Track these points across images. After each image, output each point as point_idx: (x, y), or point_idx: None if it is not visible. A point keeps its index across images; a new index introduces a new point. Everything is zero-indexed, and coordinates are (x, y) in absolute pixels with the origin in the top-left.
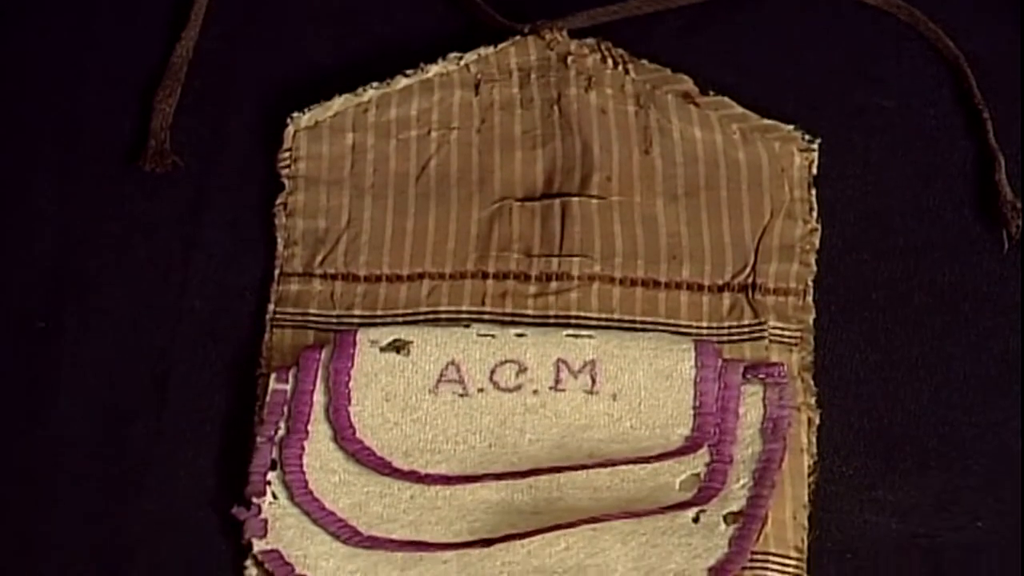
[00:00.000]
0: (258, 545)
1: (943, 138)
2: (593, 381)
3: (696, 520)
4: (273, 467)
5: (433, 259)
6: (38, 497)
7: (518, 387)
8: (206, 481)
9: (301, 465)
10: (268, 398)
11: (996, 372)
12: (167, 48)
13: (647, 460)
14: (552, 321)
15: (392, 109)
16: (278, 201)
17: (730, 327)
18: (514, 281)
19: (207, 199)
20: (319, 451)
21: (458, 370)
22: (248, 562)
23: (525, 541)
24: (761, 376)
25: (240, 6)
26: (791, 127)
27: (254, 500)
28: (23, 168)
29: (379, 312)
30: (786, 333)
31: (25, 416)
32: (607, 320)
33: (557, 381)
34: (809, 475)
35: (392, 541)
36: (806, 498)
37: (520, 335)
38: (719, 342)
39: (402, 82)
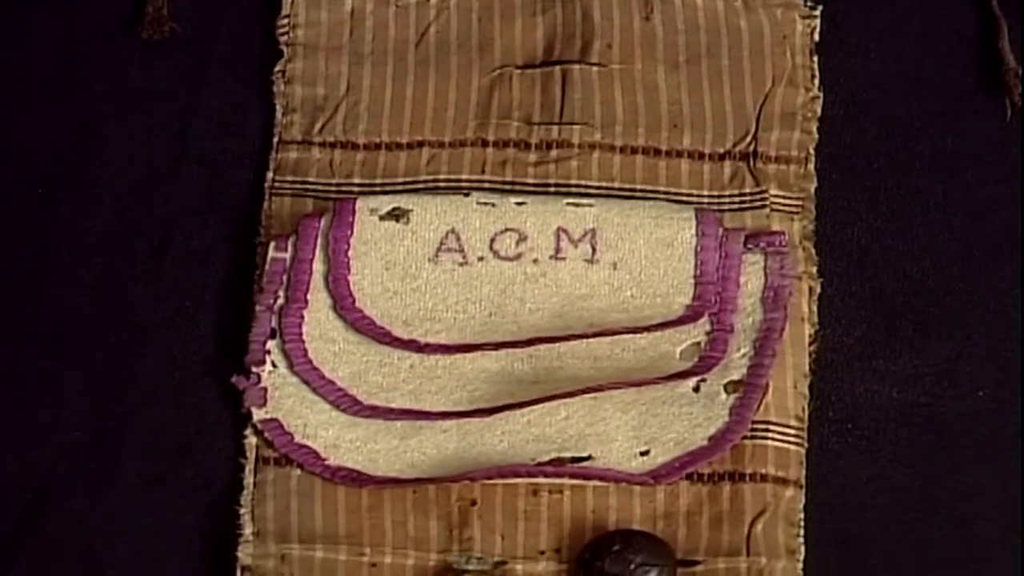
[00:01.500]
0: (257, 414)
1: (946, 5)
2: (593, 250)
3: (696, 389)
4: (272, 336)
5: (432, 127)
6: (37, 367)
7: (518, 256)
8: (205, 350)
9: (300, 334)
10: (267, 266)
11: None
12: None
13: (647, 329)
14: (552, 189)
15: None
16: (276, 68)
17: (731, 195)
18: (514, 149)
19: (205, 67)
20: (318, 320)
21: (458, 239)
22: (247, 431)
23: (525, 410)
24: (762, 245)
25: None
26: None
27: (253, 369)
28: (21, 36)
29: (378, 180)
30: (787, 201)
31: (23, 285)
32: (607, 188)
33: (557, 250)
34: (810, 344)
35: (392, 410)
36: (807, 367)
37: (520, 203)
38: (720, 210)
39: None
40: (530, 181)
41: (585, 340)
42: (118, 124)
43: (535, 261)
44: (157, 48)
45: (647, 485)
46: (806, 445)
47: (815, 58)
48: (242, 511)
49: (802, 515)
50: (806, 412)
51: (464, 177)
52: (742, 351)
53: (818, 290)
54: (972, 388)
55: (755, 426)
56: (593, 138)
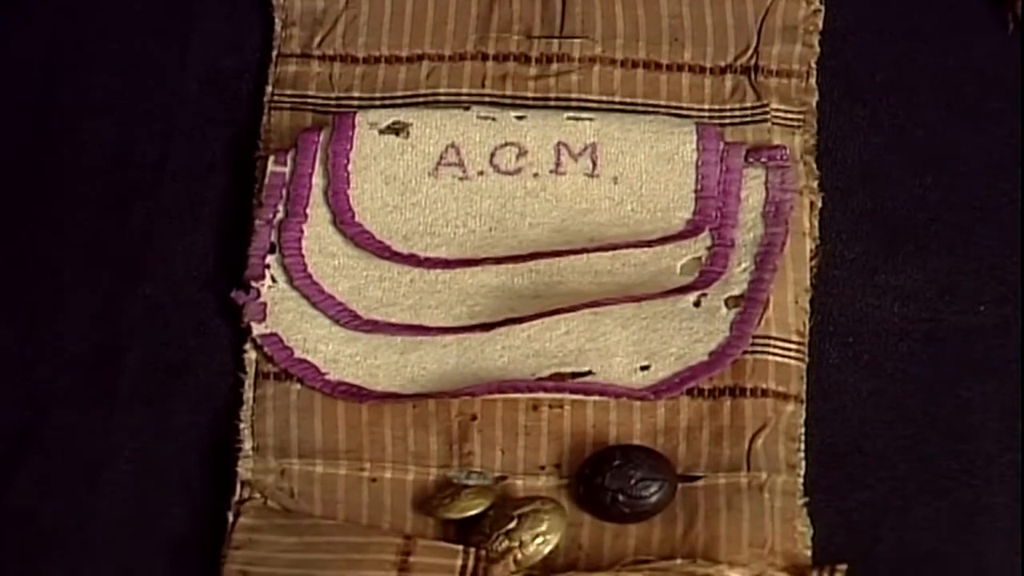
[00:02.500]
0: (257, 329)
1: None
2: (594, 164)
3: (697, 304)
4: (272, 250)
5: (432, 40)
6: (37, 283)
7: (518, 170)
8: (204, 265)
9: (300, 248)
10: (266, 181)
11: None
12: None
13: (648, 244)
14: (553, 103)
15: None
16: None
17: (732, 109)
18: (514, 63)
19: None
20: (318, 234)
21: (458, 153)
22: (247, 346)
23: (525, 325)
24: (763, 159)
25: None
26: None
27: (253, 283)
28: None
29: (378, 94)
30: (789, 115)
31: (22, 201)
32: (608, 102)
33: (558, 164)
34: (811, 259)
35: (391, 325)
36: (808, 282)
37: (520, 117)
38: (721, 125)
39: None
40: (530, 95)
41: (585, 255)
42: (117, 40)
43: (535, 175)
44: None
45: (647, 400)
46: (807, 360)
47: None
48: (242, 426)
49: (802, 430)
50: (807, 327)
51: (464, 91)
52: (743, 266)
53: (819, 205)
54: (973, 303)
55: (756, 341)
56: (594, 52)
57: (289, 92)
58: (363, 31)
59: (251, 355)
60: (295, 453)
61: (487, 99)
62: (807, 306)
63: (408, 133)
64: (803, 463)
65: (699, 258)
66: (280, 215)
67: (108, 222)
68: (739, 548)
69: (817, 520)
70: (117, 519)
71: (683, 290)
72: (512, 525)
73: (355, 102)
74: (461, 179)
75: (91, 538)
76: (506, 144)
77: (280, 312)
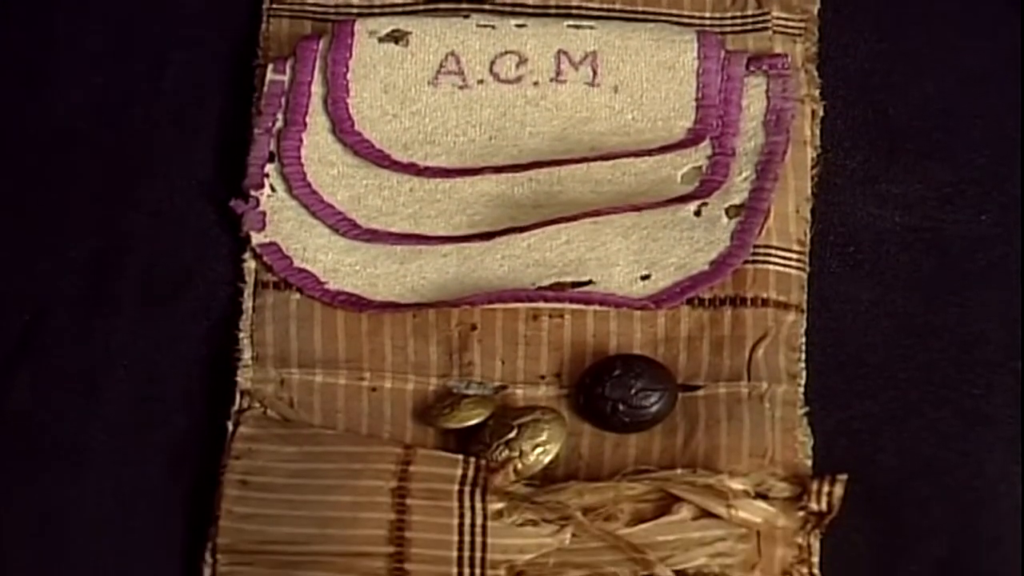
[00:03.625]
0: (256, 238)
1: None
2: (594, 73)
3: (698, 213)
4: (271, 159)
5: None
6: (36, 189)
7: (518, 79)
8: (203, 174)
9: (299, 157)
10: (265, 89)
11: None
12: None
13: (649, 153)
14: (553, 11)
15: None
16: None
17: (733, 17)
18: None
19: None
20: (317, 143)
21: (457, 61)
22: (246, 255)
23: (526, 234)
24: (764, 67)
25: None
26: None
27: (252, 192)
28: None
29: (377, 2)
30: (790, 23)
31: (21, 106)
32: (608, 10)
33: (558, 73)
34: (812, 168)
35: (391, 234)
36: (809, 191)
37: (520, 25)
38: (722, 33)
39: None
40: (530, 3)
41: (586, 164)
42: None
43: (535, 84)
44: None
45: (648, 310)
46: (808, 269)
47: None
48: (241, 335)
49: (803, 339)
50: (808, 236)
51: None
52: (744, 175)
53: (820, 113)
54: (975, 212)
55: (756, 250)
56: None
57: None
58: None
59: (250, 264)
60: (295, 363)
61: (487, 7)
62: (808, 215)
63: (407, 41)
64: (804, 373)
65: (700, 167)
66: (279, 124)
67: (107, 130)
68: (739, 458)
69: (817, 430)
70: (116, 427)
71: (684, 199)
72: (512, 435)
73: (354, 10)
74: (461, 88)
75: (90, 446)
76: (506, 52)
77: (279, 221)
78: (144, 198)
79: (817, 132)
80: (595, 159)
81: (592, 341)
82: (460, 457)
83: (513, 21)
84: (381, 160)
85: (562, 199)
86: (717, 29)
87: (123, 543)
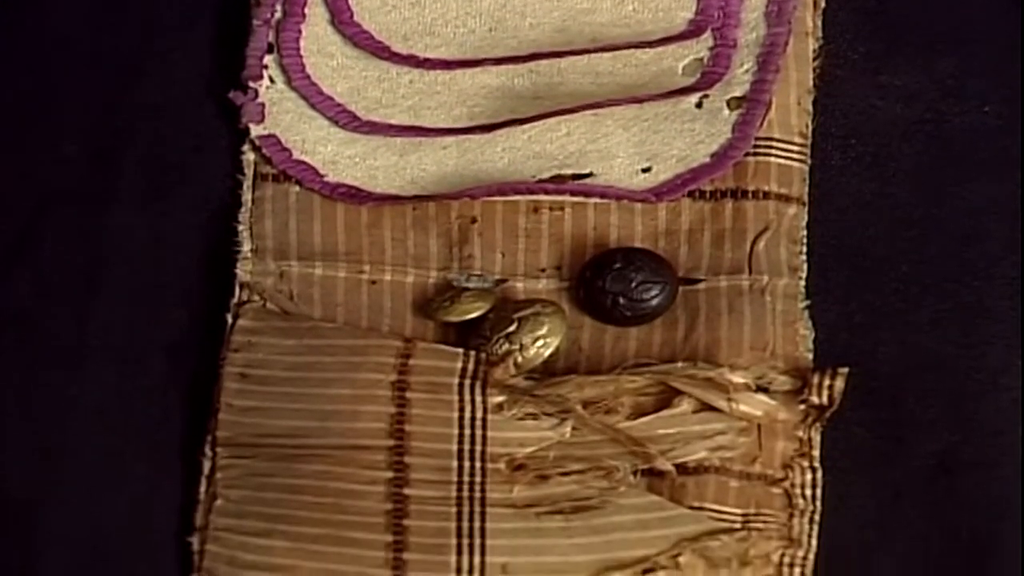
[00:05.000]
0: (255, 130)
1: None
2: None
3: (699, 106)
4: (270, 51)
5: None
6: (34, 82)
7: None
8: (202, 66)
9: (298, 48)
10: None
11: None
12: None
13: (649, 44)
14: None
15: None
16: None
17: None
18: None
19: None
20: (316, 34)
21: None
22: (245, 147)
23: (526, 127)
24: None
25: None
26: None
27: (251, 84)
28: None
29: None
30: None
31: (19, 3)
32: None
33: None
34: (814, 59)
35: (391, 126)
36: (810, 83)
37: None
38: None
39: None
40: None
41: (586, 55)
42: None
43: None
44: None
45: (649, 202)
46: (809, 162)
47: None
48: (240, 228)
49: (804, 232)
50: (809, 128)
51: None
52: (745, 67)
53: (822, 4)
54: (977, 103)
55: (758, 143)
56: None
57: None
58: None
59: (249, 156)
60: (294, 255)
61: None
62: (809, 107)
63: None
64: (805, 266)
65: (701, 59)
66: (278, 15)
67: (106, 24)
68: (740, 351)
69: (818, 323)
70: (115, 322)
71: (685, 91)
72: (512, 328)
73: None
74: None
75: (89, 341)
76: None
77: (278, 113)
78: (142, 92)
79: (819, 23)
80: (596, 50)
81: (593, 234)
82: (460, 350)
83: None
84: (380, 51)
85: (562, 91)
86: None
87: (122, 438)
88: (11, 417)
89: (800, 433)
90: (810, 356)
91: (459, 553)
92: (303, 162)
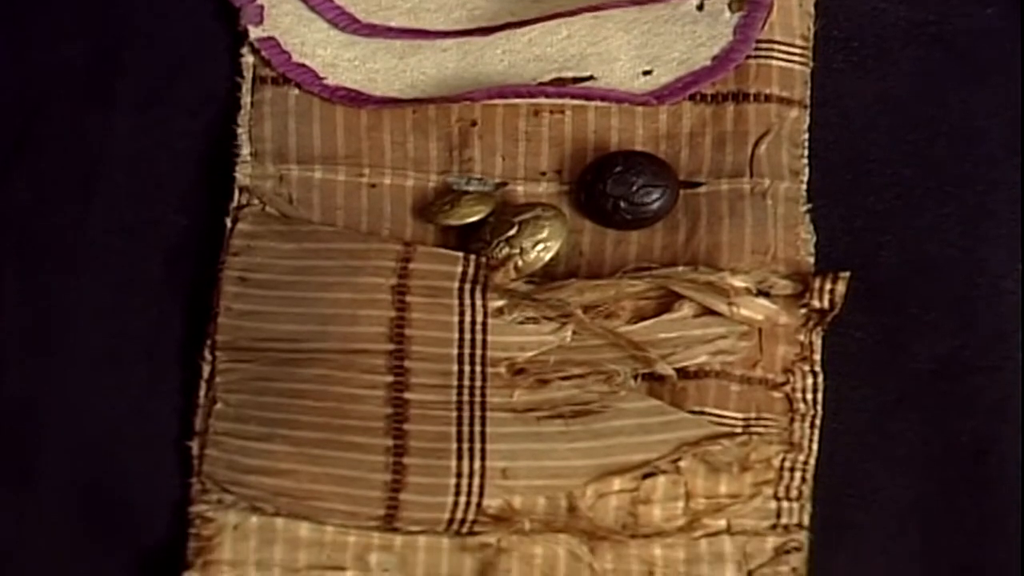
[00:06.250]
0: (254, 32)
1: None
2: None
3: (700, 8)
4: None
5: None
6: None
7: None
8: None
9: None
10: None
11: None
12: None
13: None
14: None
15: None
16: None
17: None
18: None
19: None
20: None
21: None
22: (244, 49)
23: (526, 29)
24: None
25: None
26: None
27: None
28: None
29: None
30: None
31: None
32: None
33: None
34: None
35: (390, 29)
36: None
37: None
38: None
39: None
40: None
41: None
42: None
43: None
44: None
45: (649, 105)
46: (811, 65)
47: None
48: (239, 131)
49: (806, 135)
50: (811, 31)
51: None
52: None
53: None
54: (980, 5)
55: (759, 45)
56: None
57: None
58: None
59: (248, 59)
60: (293, 159)
61: None
62: (811, 9)
63: None
64: (806, 169)
65: None
66: None
67: None
68: (741, 255)
69: (820, 227)
70: (114, 226)
71: None
72: (512, 232)
73: None
74: None
75: (88, 244)
76: None
77: (278, 15)
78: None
79: None
80: None
81: (593, 137)
82: (460, 254)
83: None
84: None
85: None
86: None
87: (121, 341)
88: (9, 317)
89: (801, 337)
90: (811, 260)
91: (459, 457)
92: (302, 65)
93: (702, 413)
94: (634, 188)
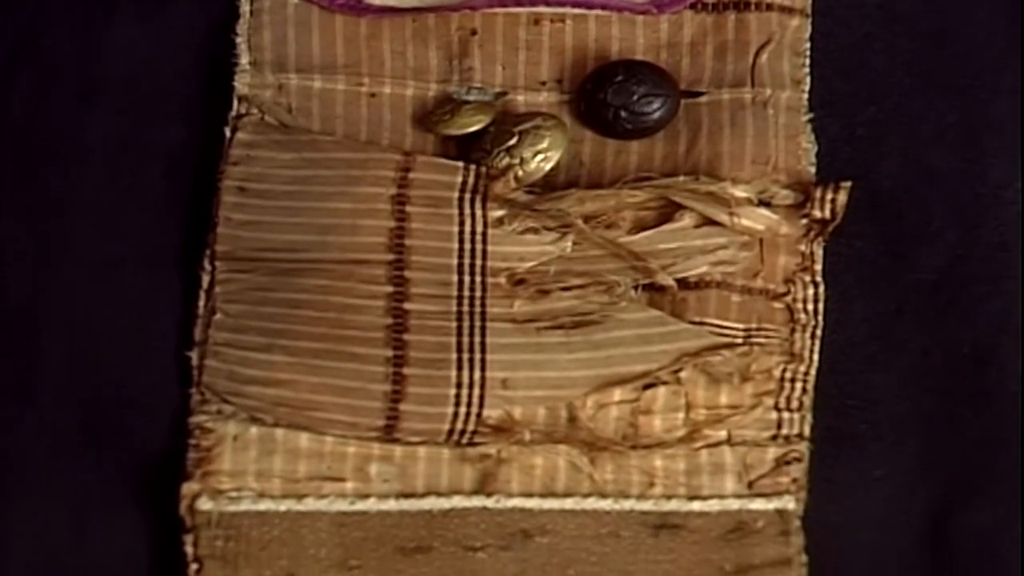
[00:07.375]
0: None
1: None
2: None
3: None
4: None
5: None
6: None
7: None
8: None
9: None
10: None
11: None
12: None
13: None
14: None
15: None
16: None
17: None
18: None
19: None
20: None
21: None
22: None
23: None
24: None
25: None
26: None
27: None
28: None
29: None
30: None
31: None
32: None
33: None
34: None
35: None
36: None
37: None
38: None
39: None
40: None
41: None
42: None
43: None
44: None
45: (650, 14)
46: None
47: None
48: (238, 40)
49: (808, 45)
50: None
51: None
52: None
53: None
54: None
55: None
56: None
57: None
58: None
59: None
60: (292, 68)
61: None
62: None
63: None
64: (808, 78)
65: None
66: None
67: None
68: (742, 164)
69: (821, 136)
70: (113, 137)
71: None
72: (513, 141)
73: None
74: None
75: (87, 156)
76: None
77: None
78: None
79: None
80: None
81: (594, 46)
82: (460, 164)
83: None
84: None
85: None
86: None
87: (121, 249)
88: (9, 228)
89: (802, 247)
90: (812, 170)
91: (459, 368)
92: None
93: (703, 324)
94: (635, 97)
